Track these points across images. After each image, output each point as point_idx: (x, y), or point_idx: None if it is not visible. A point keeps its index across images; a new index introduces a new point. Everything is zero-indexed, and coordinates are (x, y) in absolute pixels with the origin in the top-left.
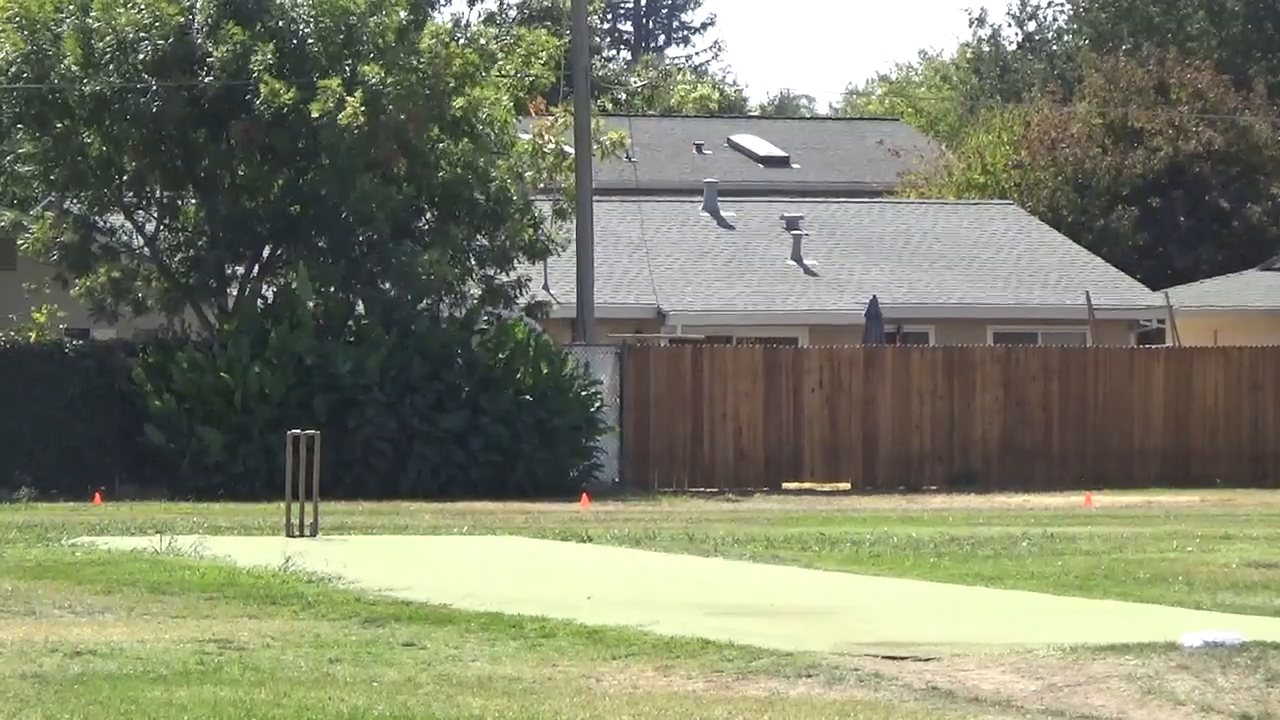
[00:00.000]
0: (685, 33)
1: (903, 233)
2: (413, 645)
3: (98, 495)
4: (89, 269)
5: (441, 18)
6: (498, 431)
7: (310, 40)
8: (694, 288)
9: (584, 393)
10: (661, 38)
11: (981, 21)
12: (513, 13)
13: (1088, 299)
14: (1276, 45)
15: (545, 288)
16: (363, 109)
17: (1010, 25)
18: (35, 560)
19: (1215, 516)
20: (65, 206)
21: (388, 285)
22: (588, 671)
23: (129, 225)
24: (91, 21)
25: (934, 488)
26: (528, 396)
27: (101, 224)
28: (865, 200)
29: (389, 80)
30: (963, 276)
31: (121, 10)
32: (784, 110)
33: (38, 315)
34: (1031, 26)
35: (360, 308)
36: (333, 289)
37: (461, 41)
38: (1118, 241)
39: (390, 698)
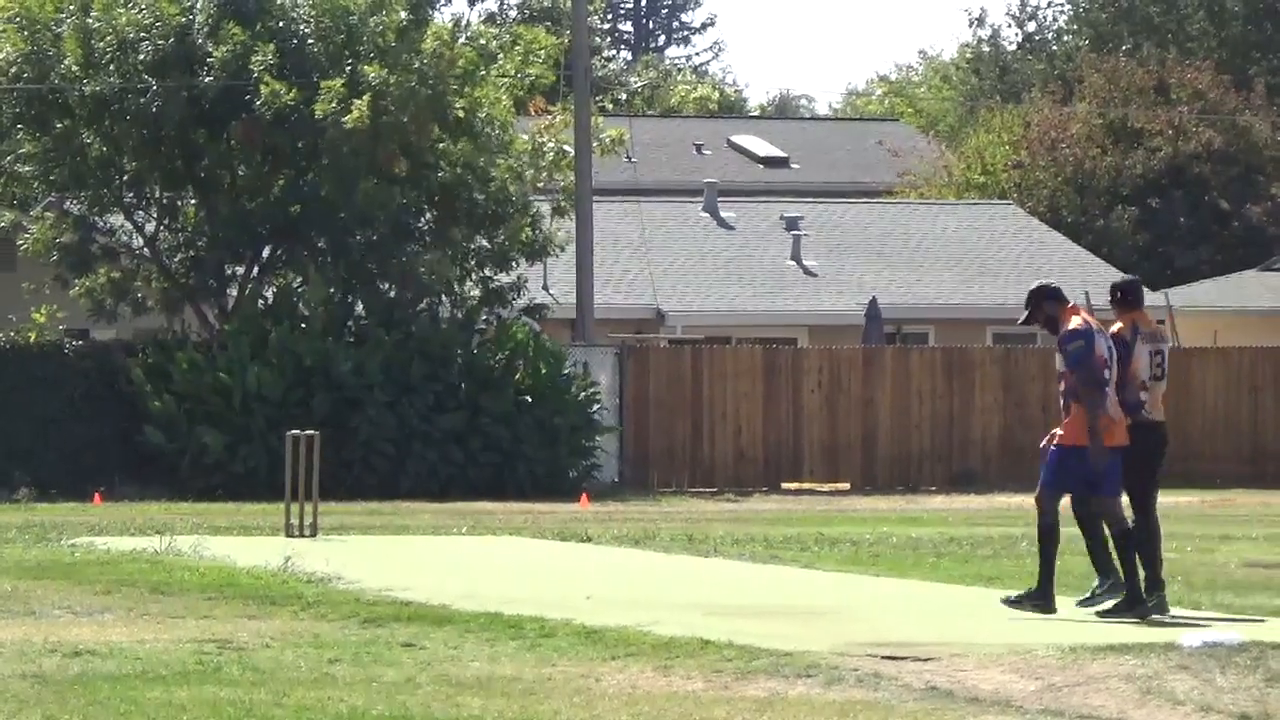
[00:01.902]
0: (685, 33)
1: (902, 233)
2: (412, 645)
3: (97, 495)
4: (89, 269)
5: (442, 18)
6: (497, 432)
7: (311, 40)
8: (693, 288)
9: (583, 393)
10: (661, 38)
11: (981, 22)
12: (513, 13)
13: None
14: (1276, 45)
15: (545, 288)
16: (369, 111)
17: (1010, 25)
18: (35, 560)
19: (1214, 517)
20: (65, 207)
21: (388, 286)
22: (587, 671)
23: (129, 225)
24: (92, 22)
25: (933, 488)
26: (527, 397)
27: (101, 224)
28: (865, 201)
29: (391, 81)
30: (962, 277)
31: (122, 10)
32: (784, 110)
33: (37, 315)
34: (1031, 27)
35: (360, 308)
36: (332, 290)
37: (461, 41)
38: (1117, 242)
39: (389, 698)
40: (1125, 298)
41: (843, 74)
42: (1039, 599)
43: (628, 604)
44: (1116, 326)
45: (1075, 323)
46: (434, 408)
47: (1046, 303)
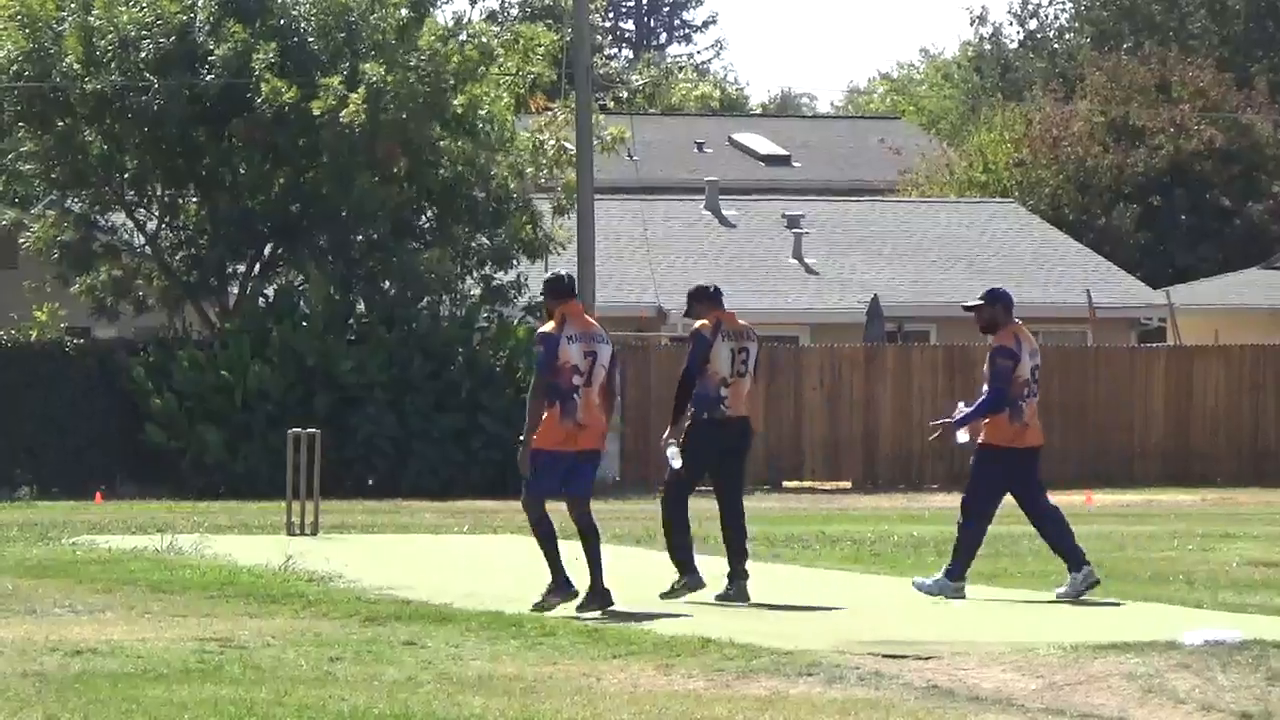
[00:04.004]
0: (687, 31)
1: (904, 231)
2: (413, 644)
3: (98, 494)
4: (90, 267)
5: (443, 15)
6: (498, 430)
7: (311, 38)
8: None
9: None
10: (663, 36)
11: (983, 20)
12: (514, 10)
13: (1089, 297)
14: (1278, 44)
15: None
16: (364, 106)
17: (1012, 23)
18: (36, 559)
19: (1216, 515)
20: (66, 205)
21: (388, 284)
22: (588, 670)
23: (130, 224)
24: (93, 20)
25: (935, 486)
26: (528, 395)
27: (103, 222)
28: (867, 199)
29: (389, 78)
30: (964, 275)
31: (123, 8)
32: (785, 109)
33: (39, 314)
34: (1033, 25)
35: (361, 306)
36: (333, 288)
37: (462, 38)
38: (1119, 240)
39: (391, 696)
40: (708, 298)
41: (844, 72)
42: (562, 591)
43: (629, 602)
44: (700, 323)
45: (547, 326)
46: (435, 406)
47: (548, 299)
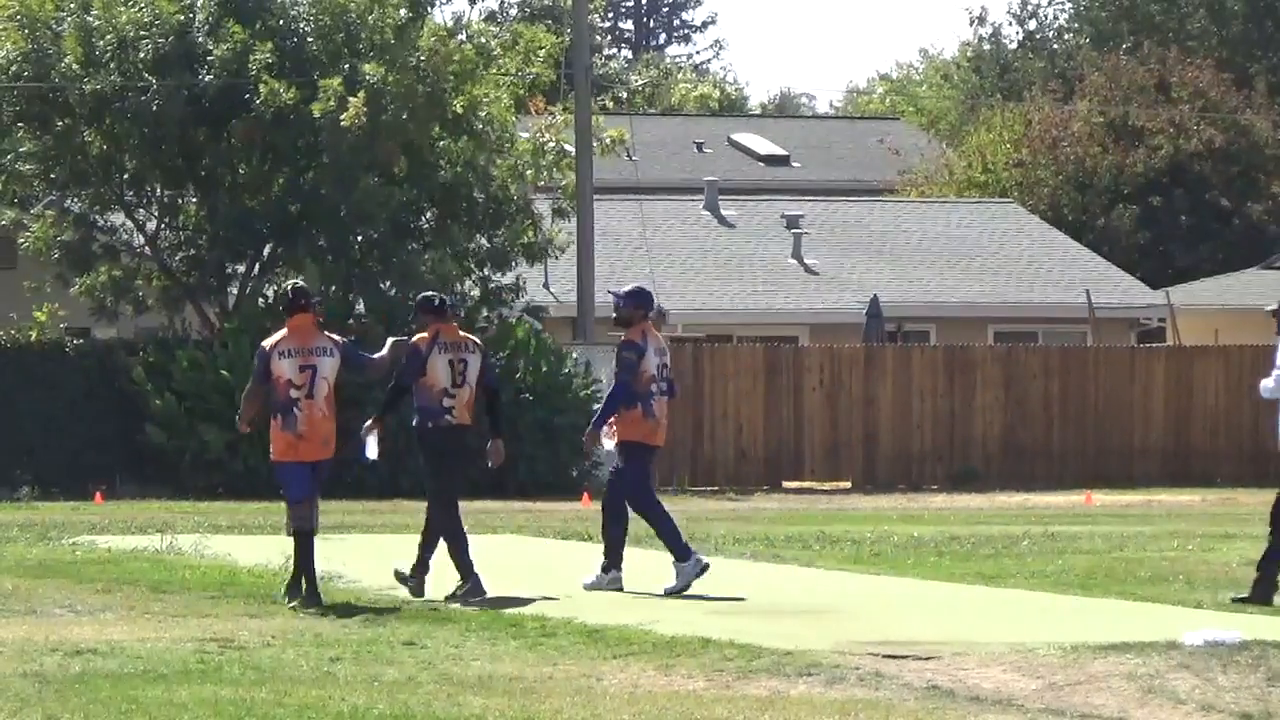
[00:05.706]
0: (686, 31)
1: (903, 231)
2: (413, 644)
3: (98, 494)
4: (90, 268)
5: (443, 16)
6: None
7: (310, 39)
8: (694, 286)
9: (584, 392)
10: (662, 36)
11: (982, 20)
12: (513, 11)
13: (1088, 298)
14: (1277, 44)
15: (546, 286)
16: (364, 109)
17: (1011, 24)
18: (36, 559)
19: (1216, 515)
20: (66, 205)
21: (388, 284)
22: (588, 670)
23: (130, 224)
24: (92, 20)
25: (935, 487)
26: (528, 395)
27: (102, 223)
28: (866, 199)
29: (389, 79)
30: (963, 275)
31: (122, 9)
32: (785, 109)
33: (39, 314)
34: (1032, 25)
35: (361, 307)
36: (333, 288)
37: (461, 39)
38: (1118, 240)
39: (391, 696)
40: (431, 310)
41: (844, 72)
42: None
43: (629, 603)
44: (417, 337)
45: (269, 339)
46: None
47: (285, 312)
